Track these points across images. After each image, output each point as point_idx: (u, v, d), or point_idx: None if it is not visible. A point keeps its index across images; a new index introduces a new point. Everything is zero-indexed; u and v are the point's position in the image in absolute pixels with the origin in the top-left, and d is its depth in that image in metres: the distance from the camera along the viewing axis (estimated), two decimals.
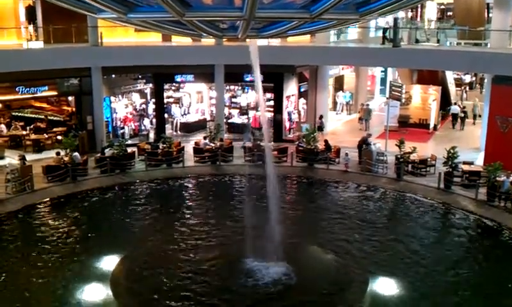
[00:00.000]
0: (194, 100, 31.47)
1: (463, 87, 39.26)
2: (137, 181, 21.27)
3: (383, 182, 21.08)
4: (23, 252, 15.03)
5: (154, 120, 27.96)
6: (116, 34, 26.48)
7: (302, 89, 29.45)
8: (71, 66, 23.74)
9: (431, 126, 29.96)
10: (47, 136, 25.08)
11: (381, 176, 21.64)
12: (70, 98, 27.51)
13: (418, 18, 48.72)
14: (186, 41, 26.75)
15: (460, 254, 15.69)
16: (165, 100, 28.86)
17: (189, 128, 29.22)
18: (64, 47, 24.22)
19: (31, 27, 24.14)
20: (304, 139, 23.50)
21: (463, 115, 30.87)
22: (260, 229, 13.83)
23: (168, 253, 15.07)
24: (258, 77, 13.22)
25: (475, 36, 29.16)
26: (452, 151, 20.23)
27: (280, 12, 8.65)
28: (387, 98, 28.19)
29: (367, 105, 30.75)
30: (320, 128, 27.74)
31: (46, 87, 24.39)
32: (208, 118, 30.45)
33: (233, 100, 30.42)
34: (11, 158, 21.68)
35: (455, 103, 32.68)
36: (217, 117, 27.19)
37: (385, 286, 13.42)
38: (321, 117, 28.69)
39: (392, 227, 17.51)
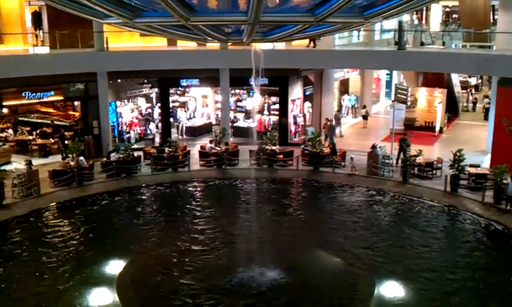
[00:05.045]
0: (199, 104, 31.56)
1: (468, 90, 39.15)
2: (143, 185, 21.32)
3: (389, 185, 21.02)
4: (29, 257, 15.02)
5: (160, 124, 28.02)
6: (122, 39, 26.61)
7: (307, 93, 29.45)
8: (77, 72, 23.81)
9: (437, 129, 29.86)
10: (53, 141, 25.18)
11: (387, 179, 21.59)
12: (76, 103, 27.64)
13: (424, 21, 48.63)
14: (191, 45, 26.83)
15: (468, 256, 15.57)
16: (171, 104, 28.93)
17: (194, 132, 29.28)
18: (70, 52, 24.33)
19: (37, 33, 24.26)
20: (310, 143, 23.50)
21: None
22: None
23: (174, 257, 15.06)
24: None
25: (480, 38, 29.05)
26: (458, 153, 20.15)
27: (285, 16, 8.66)
28: (392, 101, 28.16)
29: (331, 120, 27.73)
30: (365, 117, 31.70)
31: (52, 92, 24.50)
32: (214, 122, 30.51)
33: (239, 103, 30.47)
34: (18, 163, 21.77)
35: (486, 96, 33.97)
36: (223, 121, 27.24)
37: (393, 288, 13.36)
38: (365, 106, 32.64)
39: (398, 230, 17.43)
